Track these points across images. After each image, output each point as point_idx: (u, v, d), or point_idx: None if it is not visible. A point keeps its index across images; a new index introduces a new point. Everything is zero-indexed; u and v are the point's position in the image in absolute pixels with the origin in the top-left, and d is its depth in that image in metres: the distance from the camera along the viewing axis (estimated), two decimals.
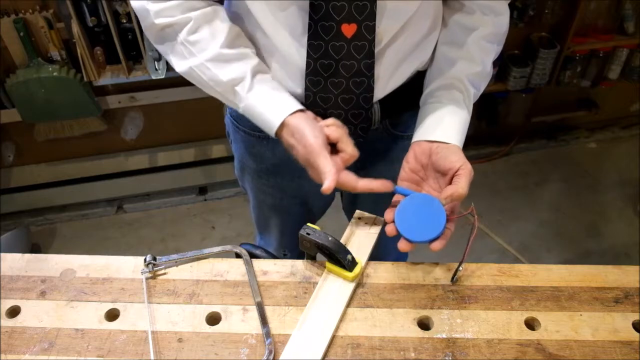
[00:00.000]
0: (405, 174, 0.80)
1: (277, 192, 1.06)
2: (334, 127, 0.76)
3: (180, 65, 0.80)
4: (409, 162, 0.81)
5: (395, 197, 0.79)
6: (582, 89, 2.38)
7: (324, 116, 0.84)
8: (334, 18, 0.74)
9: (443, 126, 0.79)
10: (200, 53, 0.77)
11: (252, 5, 0.77)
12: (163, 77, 1.76)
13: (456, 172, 0.74)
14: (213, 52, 0.77)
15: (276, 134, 0.78)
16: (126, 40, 1.74)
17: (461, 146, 0.79)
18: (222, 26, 0.78)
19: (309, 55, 0.78)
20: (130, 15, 1.68)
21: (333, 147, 0.76)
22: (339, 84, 0.81)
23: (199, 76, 0.79)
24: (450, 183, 0.75)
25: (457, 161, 0.75)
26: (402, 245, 0.73)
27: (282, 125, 0.76)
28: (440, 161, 0.76)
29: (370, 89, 0.82)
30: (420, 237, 0.72)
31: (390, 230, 0.75)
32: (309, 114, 0.78)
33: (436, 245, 0.71)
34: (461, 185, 0.72)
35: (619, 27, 2.15)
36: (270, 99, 0.78)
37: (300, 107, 0.78)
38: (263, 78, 0.80)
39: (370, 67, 0.80)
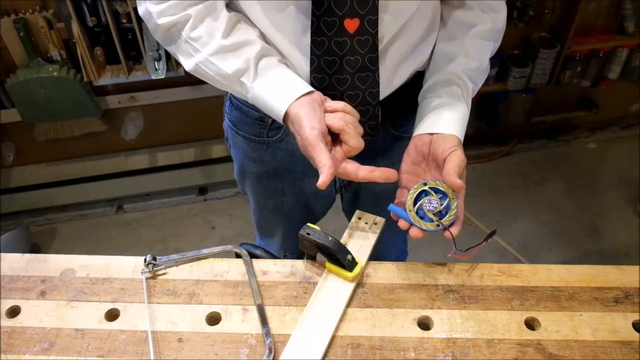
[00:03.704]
0: (407, 166, 0.80)
1: (278, 196, 1.06)
2: (339, 116, 0.72)
3: (187, 64, 0.78)
4: (410, 155, 0.80)
5: (399, 196, 0.79)
6: (582, 89, 2.38)
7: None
8: (336, 13, 0.73)
9: (442, 119, 0.79)
10: (204, 48, 0.76)
11: (249, 7, 0.77)
12: (163, 77, 1.76)
13: (446, 157, 0.74)
14: (215, 45, 0.75)
15: (285, 124, 0.75)
16: (126, 40, 1.74)
17: (461, 138, 0.78)
18: (221, 17, 0.76)
19: (312, 52, 0.77)
20: (130, 15, 1.67)
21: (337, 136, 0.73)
22: (344, 80, 0.80)
23: (205, 72, 0.77)
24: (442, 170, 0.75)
25: (450, 148, 0.75)
26: (413, 232, 0.74)
27: (286, 115, 0.74)
28: (437, 149, 0.76)
29: (376, 83, 0.81)
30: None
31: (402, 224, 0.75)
32: (314, 97, 0.74)
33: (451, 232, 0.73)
34: (446, 171, 0.73)
35: (619, 27, 2.15)
36: (273, 88, 0.75)
37: (305, 90, 0.74)
38: (268, 64, 0.76)
39: (375, 61, 0.79)
